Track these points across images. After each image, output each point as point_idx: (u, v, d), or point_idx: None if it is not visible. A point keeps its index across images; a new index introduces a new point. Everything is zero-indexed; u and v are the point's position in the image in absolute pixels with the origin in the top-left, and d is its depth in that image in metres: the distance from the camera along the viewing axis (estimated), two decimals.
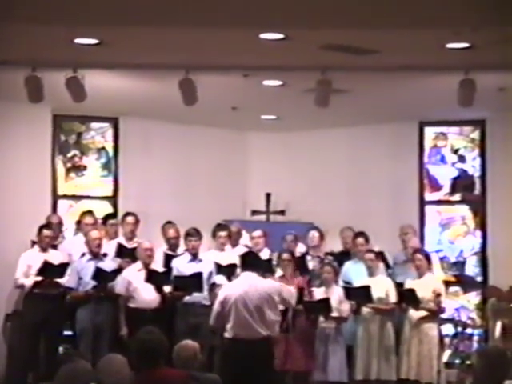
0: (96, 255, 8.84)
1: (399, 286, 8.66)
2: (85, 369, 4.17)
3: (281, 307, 7.41)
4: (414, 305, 8.49)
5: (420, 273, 8.68)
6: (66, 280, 8.76)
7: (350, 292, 8.58)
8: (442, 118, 10.91)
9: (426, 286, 8.57)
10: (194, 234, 8.98)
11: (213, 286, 8.80)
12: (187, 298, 8.72)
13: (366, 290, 8.51)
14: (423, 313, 8.51)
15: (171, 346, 5.60)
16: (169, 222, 9.53)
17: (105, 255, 9.06)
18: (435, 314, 8.59)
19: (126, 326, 8.49)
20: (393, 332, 8.63)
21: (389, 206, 11.02)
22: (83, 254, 8.96)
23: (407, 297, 8.49)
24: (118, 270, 8.75)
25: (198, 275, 8.65)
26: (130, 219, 9.55)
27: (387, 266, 9.18)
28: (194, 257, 8.96)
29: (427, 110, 10.52)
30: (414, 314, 8.54)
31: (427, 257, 8.86)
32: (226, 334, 7.10)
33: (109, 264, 8.83)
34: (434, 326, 8.57)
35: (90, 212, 9.82)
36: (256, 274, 7.24)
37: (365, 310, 8.63)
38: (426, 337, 8.49)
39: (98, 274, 8.56)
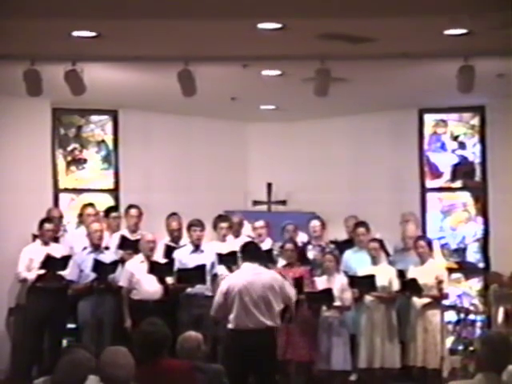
0: (97, 248, 8.86)
1: (400, 273, 8.67)
2: (84, 358, 4.17)
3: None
4: (416, 293, 8.51)
5: (422, 260, 8.70)
6: (67, 273, 8.78)
7: (355, 281, 8.59)
8: (441, 104, 10.89)
9: (428, 272, 8.59)
10: (197, 224, 9.00)
11: (215, 277, 8.82)
12: (190, 290, 8.73)
13: (370, 279, 8.52)
14: (427, 300, 8.53)
15: (174, 337, 5.62)
16: (173, 214, 9.53)
17: (107, 248, 9.08)
18: (438, 301, 8.61)
19: (130, 318, 8.52)
20: (396, 320, 8.65)
21: (390, 193, 11.01)
22: (85, 248, 8.97)
23: (410, 286, 8.50)
24: (117, 262, 8.75)
25: (202, 267, 8.66)
26: (133, 212, 9.56)
27: (386, 254, 9.20)
28: (197, 248, 8.97)
29: (427, 97, 10.51)
30: (418, 301, 8.56)
31: (429, 244, 8.88)
32: (229, 325, 7.11)
33: (108, 256, 8.85)
34: (437, 313, 8.59)
35: (91, 204, 9.85)
36: (257, 265, 7.24)
37: (368, 298, 8.64)
38: (431, 324, 8.51)
39: (97, 267, 8.58)
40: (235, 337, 7.08)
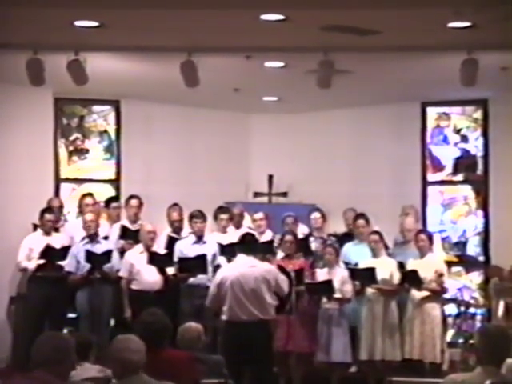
0: (93, 238, 8.85)
1: (400, 266, 8.67)
2: (63, 337, 4.16)
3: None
4: (416, 286, 8.51)
5: (422, 253, 8.70)
6: (65, 264, 8.79)
7: (355, 273, 8.60)
8: (444, 98, 10.88)
9: (428, 266, 8.58)
10: (198, 216, 9.00)
11: (217, 268, 8.81)
12: (192, 280, 8.74)
13: (371, 271, 8.52)
14: (426, 293, 8.53)
15: (175, 327, 5.63)
16: (174, 205, 9.53)
17: (106, 238, 9.09)
18: (438, 294, 8.62)
19: (130, 308, 8.53)
20: (397, 312, 8.65)
21: (391, 186, 11.01)
22: (83, 238, 8.98)
23: (410, 278, 8.50)
24: (111, 252, 8.73)
25: (203, 257, 8.67)
26: (133, 202, 9.56)
27: (385, 246, 9.19)
28: (199, 239, 8.97)
29: (429, 90, 10.49)
30: (417, 294, 8.56)
31: (430, 237, 8.88)
32: (223, 316, 7.15)
33: (103, 246, 8.83)
34: (436, 306, 8.59)
35: (89, 194, 9.85)
36: (252, 257, 7.25)
37: (369, 290, 8.64)
38: (429, 317, 8.51)
39: (90, 257, 8.60)
40: (229, 328, 7.12)
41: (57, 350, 3.93)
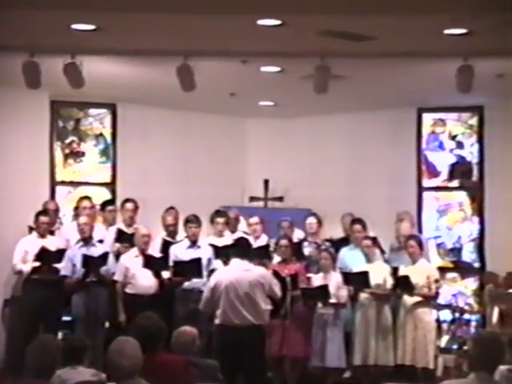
0: (86, 241, 8.83)
1: (394, 271, 8.68)
2: (52, 340, 4.18)
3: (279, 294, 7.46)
4: (408, 291, 8.51)
5: (413, 259, 8.70)
6: (61, 267, 8.78)
7: (349, 277, 8.61)
8: (440, 104, 10.91)
9: (419, 272, 8.59)
10: (193, 220, 8.99)
11: (211, 273, 8.81)
12: (186, 284, 8.74)
13: (364, 275, 8.54)
14: (417, 298, 8.53)
15: (170, 331, 5.63)
16: (170, 208, 9.52)
17: (101, 241, 9.08)
18: (429, 300, 8.62)
19: (124, 312, 8.52)
20: (390, 317, 8.65)
21: (387, 192, 11.03)
22: (78, 241, 8.96)
23: (402, 283, 8.51)
24: (107, 255, 8.72)
25: (197, 261, 8.67)
26: (129, 206, 9.56)
27: (381, 251, 9.20)
28: (193, 243, 8.97)
29: (425, 97, 10.52)
30: (409, 299, 8.56)
31: (420, 243, 8.87)
32: (216, 320, 7.15)
33: (99, 249, 8.82)
34: (428, 311, 8.59)
35: (87, 197, 9.85)
36: (247, 261, 7.25)
37: (362, 295, 8.66)
38: (421, 322, 8.51)
39: (86, 261, 8.58)
40: (222, 332, 7.12)
41: (44, 354, 3.95)
